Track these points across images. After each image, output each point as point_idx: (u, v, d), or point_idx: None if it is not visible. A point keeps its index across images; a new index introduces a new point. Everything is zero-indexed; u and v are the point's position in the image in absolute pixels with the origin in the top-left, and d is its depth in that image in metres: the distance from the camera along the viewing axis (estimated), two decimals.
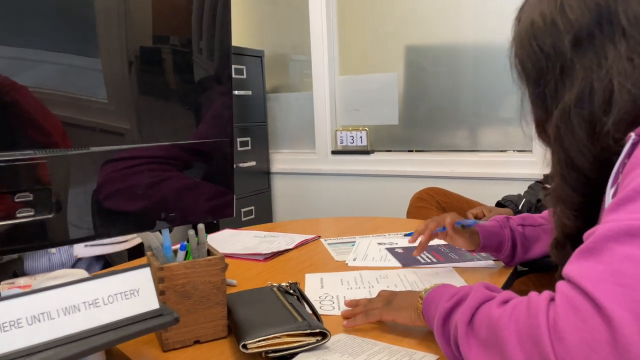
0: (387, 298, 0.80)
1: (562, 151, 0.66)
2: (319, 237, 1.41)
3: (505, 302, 0.56)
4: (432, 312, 0.68)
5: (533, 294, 0.53)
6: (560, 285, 0.50)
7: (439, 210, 1.94)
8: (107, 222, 0.68)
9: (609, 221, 0.50)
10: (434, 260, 1.13)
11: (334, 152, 2.84)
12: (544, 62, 0.65)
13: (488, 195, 2.00)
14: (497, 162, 2.40)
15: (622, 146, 0.57)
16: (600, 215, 0.62)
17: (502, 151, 2.44)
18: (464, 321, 0.58)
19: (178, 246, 0.79)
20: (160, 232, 0.78)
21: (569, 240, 0.71)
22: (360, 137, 2.77)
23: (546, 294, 0.51)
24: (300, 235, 1.41)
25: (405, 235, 0.94)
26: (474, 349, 0.56)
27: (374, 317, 0.78)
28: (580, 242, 0.52)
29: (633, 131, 0.55)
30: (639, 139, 0.54)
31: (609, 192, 0.55)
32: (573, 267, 0.50)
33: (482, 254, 1.14)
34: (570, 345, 0.45)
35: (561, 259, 0.74)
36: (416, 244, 1.04)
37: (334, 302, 0.91)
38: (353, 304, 0.85)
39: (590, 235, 0.51)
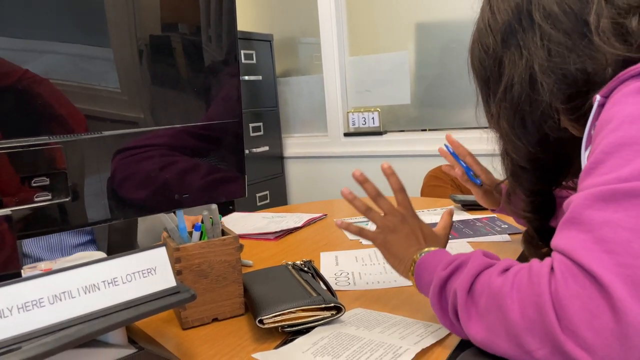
0: (392, 229, 0.75)
1: (502, 144, 0.74)
2: (326, 215, 1.42)
3: (506, 269, 0.56)
4: (425, 278, 0.67)
5: (535, 262, 0.53)
6: (555, 255, 0.51)
7: (454, 188, 1.93)
8: (123, 205, 0.69)
9: (584, 188, 0.51)
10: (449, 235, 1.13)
11: (346, 134, 2.83)
12: (487, 61, 0.70)
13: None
14: None
15: (581, 118, 0.61)
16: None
17: None
18: (463, 290, 0.58)
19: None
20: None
21: (538, 234, 0.78)
22: (372, 118, 2.75)
23: (547, 262, 0.51)
24: (307, 214, 1.43)
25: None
26: (473, 318, 0.56)
27: (367, 237, 0.78)
28: (548, 235, 0.54)
29: (598, 93, 0.56)
30: (604, 100, 0.55)
31: (584, 155, 0.57)
32: (560, 238, 0.52)
33: (497, 227, 1.14)
34: (572, 312, 0.46)
35: (532, 254, 0.79)
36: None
37: (349, 279, 0.92)
38: (372, 189, 0.78)
39: (569, 205, 0.52)
